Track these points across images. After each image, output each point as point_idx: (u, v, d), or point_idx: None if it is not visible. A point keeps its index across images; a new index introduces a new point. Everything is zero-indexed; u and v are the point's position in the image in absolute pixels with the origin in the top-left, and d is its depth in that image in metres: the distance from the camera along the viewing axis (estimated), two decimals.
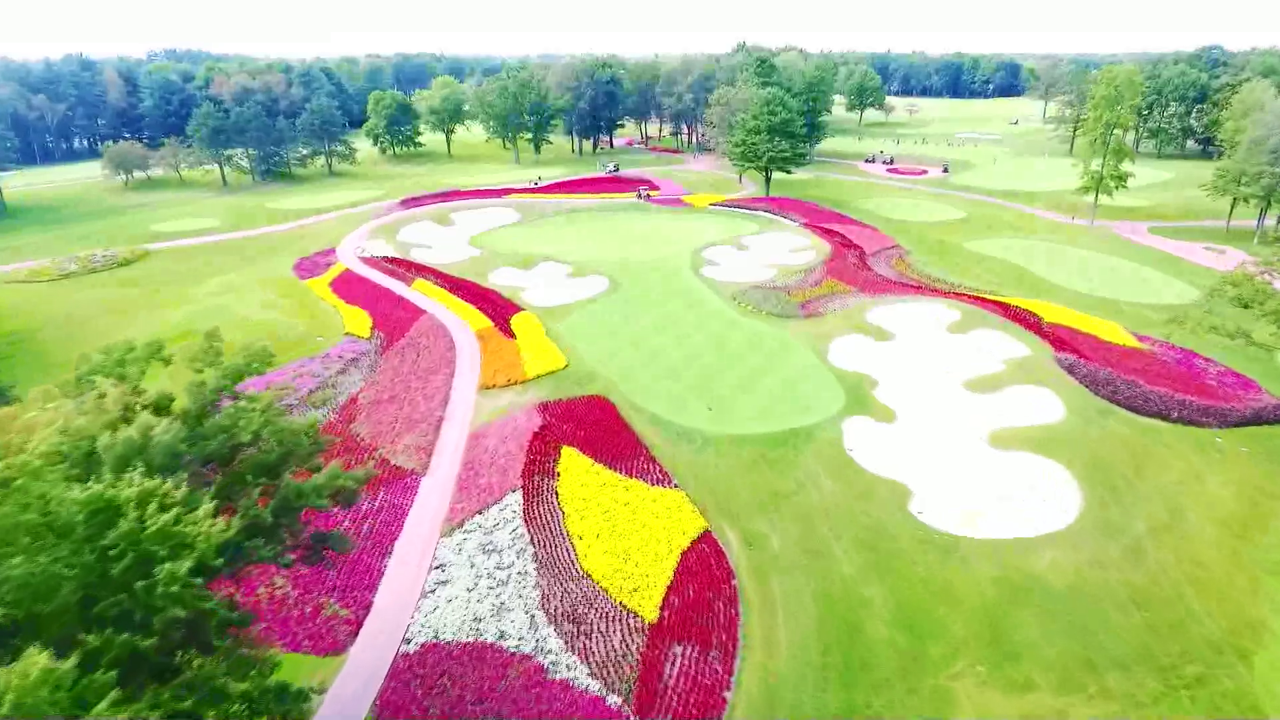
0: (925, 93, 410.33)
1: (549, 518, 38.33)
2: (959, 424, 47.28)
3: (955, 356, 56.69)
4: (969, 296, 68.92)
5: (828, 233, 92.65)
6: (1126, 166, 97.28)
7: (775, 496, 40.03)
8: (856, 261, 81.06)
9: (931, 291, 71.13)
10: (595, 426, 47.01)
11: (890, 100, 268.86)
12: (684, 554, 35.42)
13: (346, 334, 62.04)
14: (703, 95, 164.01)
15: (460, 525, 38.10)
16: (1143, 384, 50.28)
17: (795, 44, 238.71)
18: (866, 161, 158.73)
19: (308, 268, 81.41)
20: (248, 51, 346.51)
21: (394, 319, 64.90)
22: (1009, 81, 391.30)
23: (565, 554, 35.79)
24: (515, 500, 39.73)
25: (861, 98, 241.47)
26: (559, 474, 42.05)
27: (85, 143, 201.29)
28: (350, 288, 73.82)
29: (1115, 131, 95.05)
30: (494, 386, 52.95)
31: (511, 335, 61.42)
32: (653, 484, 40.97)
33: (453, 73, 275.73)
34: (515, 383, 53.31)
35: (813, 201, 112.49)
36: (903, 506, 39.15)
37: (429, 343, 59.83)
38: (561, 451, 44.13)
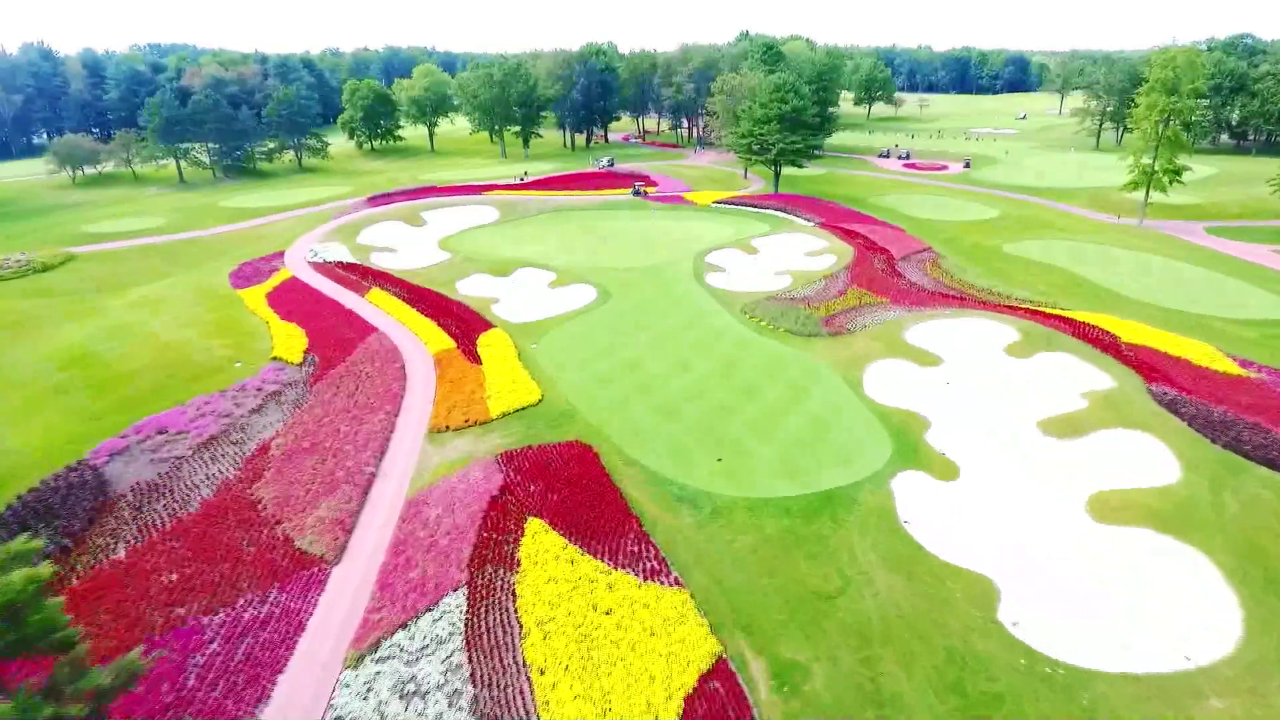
0: (932, 88, 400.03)
1: (501, 637, 27.37)
2: (1043, 483, 36.39)
3: (1022, 388, 45.77)
4: (1024, 310, 57.95)
5: (848, 234, 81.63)
6: (1183, 160, 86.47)
7: (813, 599, 29.13)
8: (885, 267, 70.08)
9: (977, 303, 60.18)
10: (572, 486, 36.14)
11: (900, 95, 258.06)
12: (689, 700, 24.51)
13: (273, 358, 50.88)
14: (704, 86, 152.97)
15: (374, 648, 27.10)
16: (1274, 429, 39.44)
17: (800, 35, 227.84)
18: (880, 156, 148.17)
19: (247, 275, 70.04)
20: (235, 46, 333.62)
21: (335, 339, 53.82)
22: (1018, 77, 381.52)
23: (519, 701, 24.85)
24: (456, 605, 28.78)
25: (870, 91, 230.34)
26: (520, 562, 31.13)
27: (47, 137, 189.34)
28: (290, 299, 62.51)
29: (1172, 122, 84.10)
30: (448, 429, 42.06)
31: (477, 360, 50.54)
32: (645, 578, 30.06)
33: (445, 67, 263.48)
34: (475, 423, 42.43)
35: (827, 199, 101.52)
36: (990, 614, 28.28)
37: (373, 370, 48.83)
38: (526, 526, 33.22)
